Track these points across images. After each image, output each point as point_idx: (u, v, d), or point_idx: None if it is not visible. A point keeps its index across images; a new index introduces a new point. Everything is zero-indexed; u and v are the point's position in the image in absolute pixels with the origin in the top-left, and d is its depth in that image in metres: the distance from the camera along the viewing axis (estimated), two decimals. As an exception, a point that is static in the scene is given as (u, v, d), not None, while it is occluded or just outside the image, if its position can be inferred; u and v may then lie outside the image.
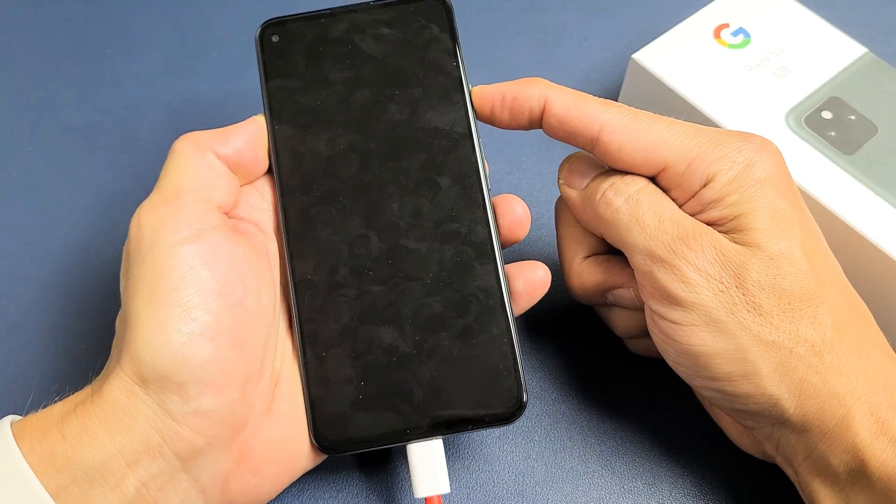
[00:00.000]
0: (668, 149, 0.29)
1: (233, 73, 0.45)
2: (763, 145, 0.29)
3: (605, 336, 0.36)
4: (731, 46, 0.40)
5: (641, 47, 0.40)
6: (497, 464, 0.34)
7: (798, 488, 0.29)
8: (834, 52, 0.40)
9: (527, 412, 0.35)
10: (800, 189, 0.36)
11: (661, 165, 0.29)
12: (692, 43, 0.40)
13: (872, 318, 0.29)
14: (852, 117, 0.38)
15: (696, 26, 0.41)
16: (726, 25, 0.41)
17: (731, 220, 0.28)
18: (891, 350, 0.28)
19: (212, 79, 0.45)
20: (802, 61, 0.40)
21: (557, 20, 0.48)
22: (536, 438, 0.34)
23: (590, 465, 0.34)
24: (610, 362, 0.36)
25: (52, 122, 0.44)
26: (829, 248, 0.29)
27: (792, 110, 0.38)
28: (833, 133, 0.37)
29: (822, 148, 0.37)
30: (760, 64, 0.40)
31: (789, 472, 0.29)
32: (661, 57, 0.40)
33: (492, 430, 0.34)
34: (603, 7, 0.48)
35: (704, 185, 0.28)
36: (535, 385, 0.36)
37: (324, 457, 0.29)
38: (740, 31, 0.41)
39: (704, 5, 0.42)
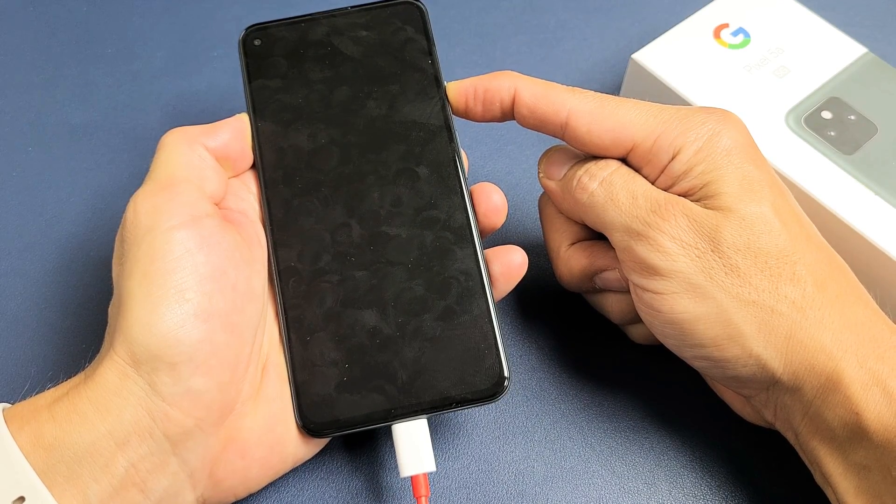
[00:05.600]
0: (633, 128, 0.30)
1: (233, 73, 0.45)
2: (725, 116, 0.30)
3: (606, 335, 0.36)
4: (731, 46, 0.40)
5: (641, 47, 0.40)
6: (497, 464, 0.34)
7: (800, 452, 0.30)
8: (834, 52, 0.40)
9: (527, 412, 0.35)
10: (800, 189, 0.36)
11: (629, 145, 0.30)
12: (692, 43, 0.40)
13: (852, 272, 0.30)
14: (852, 117, 0.38)
15: (695, 26, 0.41)
16: (726, 25, 0.41)
17: (702, 188, 0.29)
18: (873, 302, 0.29)
19: (212, 78, 0.45)
20: (802, 61, 0.40)
21: (557, 20, 0.48)
22: (536, 438, 0.34)
23: (590, 465, 0.34)
24: (610, 362, 0.36)
25: (52, 122, 0.44)
26: (800, 208, 0.30)
27: (792, 110, 0.38)
28: (833, 133, 0.37)
29: (821, 148, 0.37)
30: (760, 64, 0.40)
31: (790, 436, 0.30)
32: (660, 57, 0.40)
33: (476, 411, 0.35)
34: (603, 7, 0.48)
35: (672, 159, 0.29)
36: (535, 384, 0.36)
37: (312, 442, 0.30)
38: (740, 31, 0.41)
39: (704, 5, 0.42)
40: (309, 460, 0.31)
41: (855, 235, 0.35)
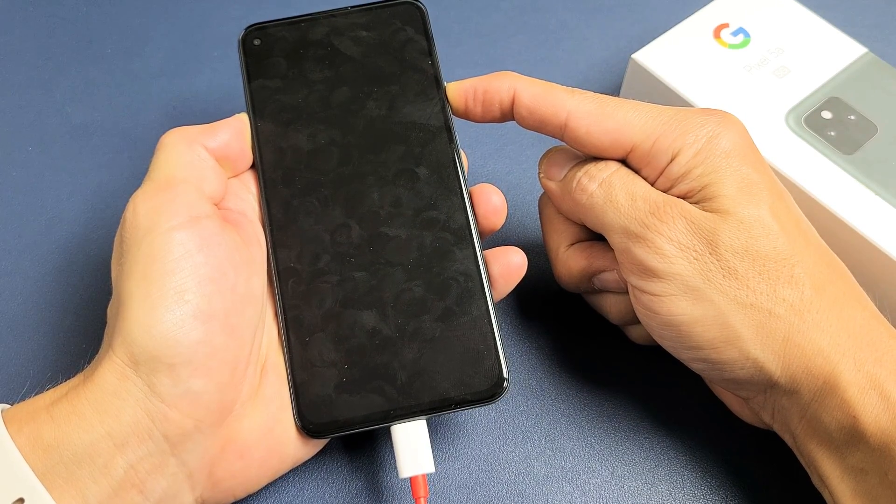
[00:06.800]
0: (633, 130, 0.30)
1: (233, 73, 0.45)
2: (725, 118, 0.30)
3: (605, 335, 0.36)
4: (731, 46, 0.40)
5: (641, 47, 0.40)
6: (497, 464, 0.34)
7: (797, 455, 0.30)
8: (834, 52, 0.40)
9: (527, 412, 0.35)
10: (800, 189, 0.36)
11: (628, 146, 0.30)
12: (692, 43, 0.40)
13: (851, 275, 0.30)
14: (852, 117, 0.38)
15: (695, 26, 0.41)
16: (726, 25, 0.41)
17: (700, 190, 0.29)
18: (872, 305, 0.29)
19: (212, 79, 0.45)
20: (802, 61, 0.40)
21: (557, 20, 0.48)
22: (536, 438, 0.34)
23: (590, 465, 0.34)
24: (610, 362, 0.36)
25: (52, 122, 0.44)
26: (800, 211, 0.30)
27: (792, 110, 0.38)
28: (833, 133, 0.37)
29: (821, 148, 0.37)
30: (760, 64, 0.40)
31: (787, 438, 0.30)
32: (660, 57, 0.40)
33: (476, 412, 0.35)
34: (603, 7, 0.48)
35: (671, 161, 0.29)
36: (535, 384, 0.36)
37: (311, 443, 0.30)
38: (740, 31, 0.41)
39: (704, 5, 0.42)
40: (308, 461, 0.31)
41: (855, 235, 0.35)
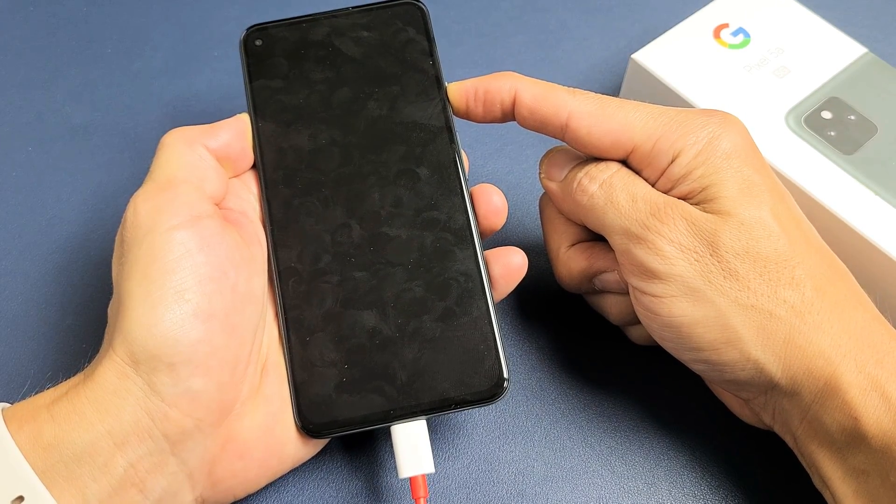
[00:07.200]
0: (633, 130, 0.30)
1: (233, 73, 0.45)
2: (725, 119, 0.30)
3: (605, 335, 0.36)
4: (731, 46, 0.40)
5: (641, 47, 0.40)
6: (497, 463, 0.34)
7: (798, 456, 0.30)
8: (834, 52, 0.40)
9: (527, 412, 0.35)
10: (800, 189, 0.36)
11: (629, 147, 0.30)
12: (692, 43, 0.40)
13: (852, 276, 0.30)
14: (852, 117, 0.38)
15: (695, 26, 0.41)
16: (726, 25, 0.41)
17: (701, 191, 0.29)
18: (873, 307, 0.29)
19: (212, 79, 0.45)
20: (802, 61, 0.40)
21: (557, 20, 0.48)
22: (536, 438, 0.34)
23: (590, 464, 0.34)
24: (610, 362, 0.36)
25: (52, 122, 0.44)
26: (801, 212, 0.30)
27: (792, 110, 0.38)
28: (833, 133, 0.37)
29: (821, 148, 0.37)
30: (760, 64, 0.40)
31: (788, 439, 0.30)
32: (660, 57, 0.40)
33: (476, 412, 0.35)
34: (603, 7, 0.48)
35: (672, 162, 0.29)
36: (535, 384, 0.36)
37: (311, 443, 0.30)
38: (740, 31, 0.41)
39: (704, 5, 0.42)
40: (308, 461, 0.31)
41: (855, 236, 0.35)
